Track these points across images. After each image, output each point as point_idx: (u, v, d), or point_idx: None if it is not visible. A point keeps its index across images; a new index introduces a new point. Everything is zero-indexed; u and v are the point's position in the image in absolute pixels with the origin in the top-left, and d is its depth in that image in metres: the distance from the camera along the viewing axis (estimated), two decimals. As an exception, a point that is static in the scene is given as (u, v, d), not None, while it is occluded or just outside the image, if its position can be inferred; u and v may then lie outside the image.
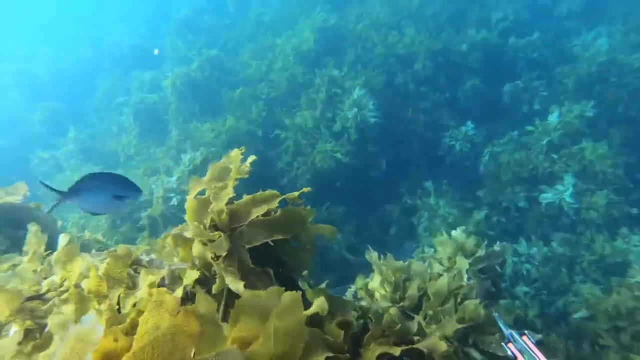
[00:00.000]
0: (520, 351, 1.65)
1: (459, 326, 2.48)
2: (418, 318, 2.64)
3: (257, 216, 1.99)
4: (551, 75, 9.46)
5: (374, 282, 3.04)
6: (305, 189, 2.15)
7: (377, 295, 2.99)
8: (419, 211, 7.29)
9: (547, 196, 6.40)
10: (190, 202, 2.10)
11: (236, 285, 1.82)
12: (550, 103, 8.55)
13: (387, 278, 2.85)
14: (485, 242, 3.53)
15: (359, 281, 3.44)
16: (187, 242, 2.09)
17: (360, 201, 7.97)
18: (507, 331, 1.82)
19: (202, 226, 2.00)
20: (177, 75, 11.04)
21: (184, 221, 2.32)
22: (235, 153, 2.21)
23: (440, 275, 2.98)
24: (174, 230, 2.15)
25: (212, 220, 2.01)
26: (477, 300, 2.59)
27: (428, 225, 6.84)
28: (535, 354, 1.60)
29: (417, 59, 9.40)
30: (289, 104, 9.74)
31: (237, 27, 15.18)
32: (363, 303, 3.23)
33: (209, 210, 2.02)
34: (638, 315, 3.59)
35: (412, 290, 2.78)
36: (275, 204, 2.04)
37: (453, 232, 3.57)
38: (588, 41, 9.94)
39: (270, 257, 2.13)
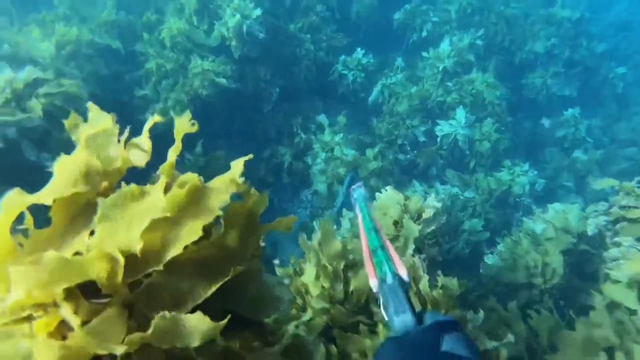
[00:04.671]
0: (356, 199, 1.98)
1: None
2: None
3: (186, 246, 0.87)
4: (435, 1, 9.11)
5: (307, 275, 2.05)
6: (248, 156, 1.21)
7: (311, 291, 2.02)
8: (312, 150, 6.44)
9: (443, 129, 6.19)
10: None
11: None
12: (436, 31, 8.24)
13: (324, 271, 1.89)
14: (429, 201, 2.84)
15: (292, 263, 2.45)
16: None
17: (246, 139, 6.70)
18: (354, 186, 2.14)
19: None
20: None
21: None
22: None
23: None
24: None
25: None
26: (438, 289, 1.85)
27: (324, 168, 6.05)
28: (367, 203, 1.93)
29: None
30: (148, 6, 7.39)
31: None
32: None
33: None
34: (547, 272, 3.45)
35: (358, 282, 1.89)
36: (215, 212, 0.90)
37: (386, 192, 2.77)
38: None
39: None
